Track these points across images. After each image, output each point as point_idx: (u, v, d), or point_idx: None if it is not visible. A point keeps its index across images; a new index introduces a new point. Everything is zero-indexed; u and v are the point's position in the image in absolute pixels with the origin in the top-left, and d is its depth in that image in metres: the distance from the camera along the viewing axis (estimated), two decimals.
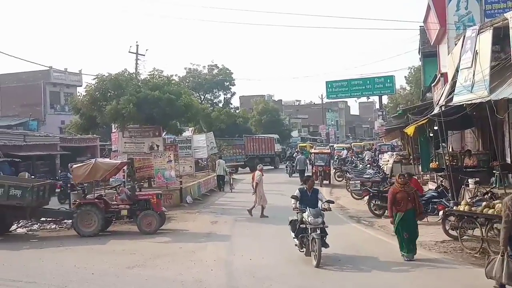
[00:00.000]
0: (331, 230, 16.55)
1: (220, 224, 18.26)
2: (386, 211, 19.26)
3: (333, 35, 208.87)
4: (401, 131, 37.00)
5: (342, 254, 12.94)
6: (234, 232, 16.75)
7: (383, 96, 64.94)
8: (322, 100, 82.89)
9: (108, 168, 17.59)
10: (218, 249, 13.95)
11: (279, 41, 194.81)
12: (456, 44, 19.65)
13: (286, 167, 39.10)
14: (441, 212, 14.77)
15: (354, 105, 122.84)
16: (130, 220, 17.72)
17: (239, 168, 45.44)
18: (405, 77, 61.63)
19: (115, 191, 18.80)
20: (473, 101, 16.01)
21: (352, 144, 65.04)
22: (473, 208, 12.76)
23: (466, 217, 12.91)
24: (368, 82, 59.87)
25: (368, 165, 33.58)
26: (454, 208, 13.49)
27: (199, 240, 15.34)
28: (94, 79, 23.52)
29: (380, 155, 44.61)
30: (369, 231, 16.38)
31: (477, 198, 14.60)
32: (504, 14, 16.63)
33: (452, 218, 14.21)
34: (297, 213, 12.60)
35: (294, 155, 38.54)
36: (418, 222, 16.91)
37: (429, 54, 34.60)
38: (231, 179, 30.87)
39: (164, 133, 27.22)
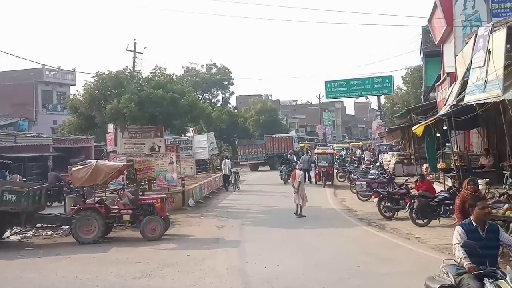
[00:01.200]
0: (343, 233, 16.27)
1: (227, 229, 17.67)
2: (396, 213, 19.00)
3: (331, 34, 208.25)
4: (402, 131, 36.75)
5: (360, 259, 12.42)
6: (243, 237, 16.11)
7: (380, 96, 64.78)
8: (319, 100, 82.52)
9: (110, 170, 16.89)
10: (229, 256, 13.34)
11: (277, 39, 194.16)
12: (467, 43, 19.27)
13: (281, 172, 34.02)
14: None
15: (349, 105, 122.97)
16: (132, 226, 17.12)
17: (260, 166, 48.32)
18: (402, 77, 61.44)
19: (116, 195, 18.15)
20: (487, 101, 15.65)
21: (351, 144, 64.70)
22: (493, 211, 12.23)
23: None
24: (367, 82, 59.64)
25: (371, 166, 33.10)
26: None
27: (207, 247, 14.71)
28: (94, 77, 22.77)
29: (380, 155, 44.23)
30: (382, 234, 15.87)
31: (493, 200, 14.19)
32: None
33: None
34: (456, 276, 6.62)
35: (288, 157, 36.42)
36: (429, 225, 16.77)
37: (431, 54, 34.36)
38: (236, 179, 30.99)
39: (168, 133, 26.61)
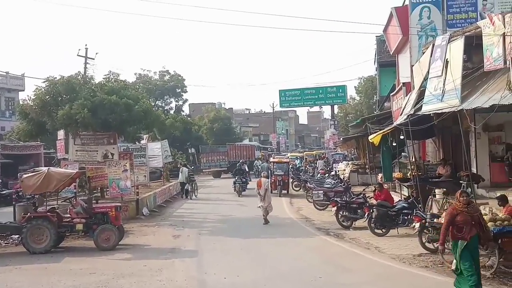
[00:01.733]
0: (302, 243, 16.04)
1: (183, 238, 17.17)
2: (354, 222, 18.93)
3: (286, 42, 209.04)
4: (357, 140, 37.04)
5: (321, 269, 12.20)
6: (200, 247, 15.66)
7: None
8: (273, 109, 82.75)
9: (63, 178, 16.20)
10: (187, 267, 12.88)
11: (230, 47, 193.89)
12: (424, 53, 19.44)
13: (234, 183, 31.55)
14: (417, 224, 14.25)
15: (302, 114, 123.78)
16: (85, 235, 16.47)
17: (222, 174, 49.35)
18: (355, 87, 62.13)
19: (69, 203, 17.43)
20: (445, 110, 15.78)
21: (305, 153, 64.91)
22: None
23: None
24: (320, 91, 59.86)
25: (326, 175, 33.13)
26: (435, 220, 12.95)
27: (164, 257, 14.19)
28: (45, 81, 21.97)
29: (334, 164, 44.44)
30: (341, 244, 15.69)
31: None
32: (477, 23, 16.46)
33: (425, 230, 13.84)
34: None
35: (242, 167, 34.29)
36: (388, 234, 16.75)
37: (385, 64, 34.74)
38: (193, 187, 30.70)
39: (122, 139, 25.90)
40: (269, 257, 13.96)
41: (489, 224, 11.01)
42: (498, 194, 15.82)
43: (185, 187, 30.26)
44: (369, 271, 12.05)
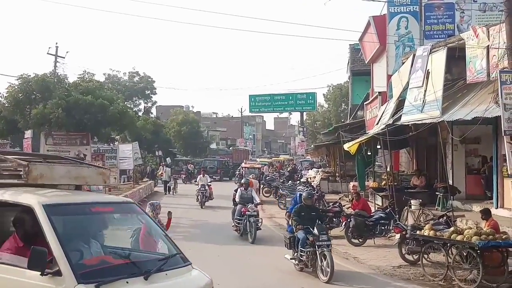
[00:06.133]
0: (279, 251, 15.61)
1: None
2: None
3: (259, 46, 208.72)
4: (327, 148, 37.11)
5: (304, 281, 12.00)
6: None
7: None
8: (241, 114, 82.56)
9: None
10: None
11: (202, 50, 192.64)
12: (403, 63, 19.52)
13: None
14: (397, 236, 14.18)
15: (269, 120, 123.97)
16: None
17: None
18: (324, 94, 62.46)
19: None
20: (426, 121, 15.85)
21: (273, 159, 64.89)
22: (438, 233, 12.21)
23: (430, 242, 12.31)
24: (290, 97, 59.73)
25: (298, 182, 33.09)
26: (417, 232, 12.88)
27: None
28: (18, 79, 21.38)
29: (303, 171, 44.47)
30: None
31: (433, 221, 14.28)
32: (460, 34, 16.58)
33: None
34: None
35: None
36: (365, 244, 16.68)
37: (358, 72, 34.96)
38: (175, 185, 35.82)
39: (95, 140, 25.33)
40: (249, 266, 13.72)
41: (474, 238, 10.99)
42: (475, 207, 16.05)
43: (168, 184, 35.19)
44: (352, 283, 11.89)
